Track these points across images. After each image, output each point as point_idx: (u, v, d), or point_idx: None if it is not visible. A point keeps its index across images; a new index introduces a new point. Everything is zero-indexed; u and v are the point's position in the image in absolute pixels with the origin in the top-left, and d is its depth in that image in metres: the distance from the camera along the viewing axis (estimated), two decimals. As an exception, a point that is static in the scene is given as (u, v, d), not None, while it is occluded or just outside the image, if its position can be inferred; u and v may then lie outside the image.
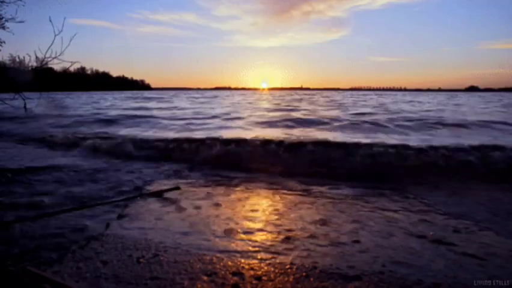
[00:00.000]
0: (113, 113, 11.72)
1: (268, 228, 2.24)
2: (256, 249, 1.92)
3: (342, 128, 7.57)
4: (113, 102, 19.41)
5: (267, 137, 5.44)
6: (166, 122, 8.99)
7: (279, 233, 2.15)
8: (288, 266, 1.72)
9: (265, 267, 1.71)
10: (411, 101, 21.76)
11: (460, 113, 11.75)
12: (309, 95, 42.82)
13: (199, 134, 6.23)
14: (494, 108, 14.25)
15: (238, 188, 3.30)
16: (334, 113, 11.41)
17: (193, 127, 7.96)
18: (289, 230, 2.20)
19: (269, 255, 1.84)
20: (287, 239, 2.05)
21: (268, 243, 2.00)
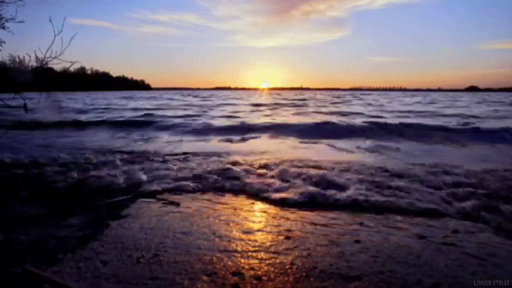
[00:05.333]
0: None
1: (268, 228, 2.24)
2: (256, 249, 1.92)
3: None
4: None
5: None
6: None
7: (278, 232, 2.15)
8: (288, 266, 1.72)
9: (265, 267, 1.71)
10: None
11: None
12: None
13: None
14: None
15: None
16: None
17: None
18: (289, 230, 2.19)
19: (269, 255, 1.84)
20: (287, 239, 2.05)
21: (268, 243, 2.00)
